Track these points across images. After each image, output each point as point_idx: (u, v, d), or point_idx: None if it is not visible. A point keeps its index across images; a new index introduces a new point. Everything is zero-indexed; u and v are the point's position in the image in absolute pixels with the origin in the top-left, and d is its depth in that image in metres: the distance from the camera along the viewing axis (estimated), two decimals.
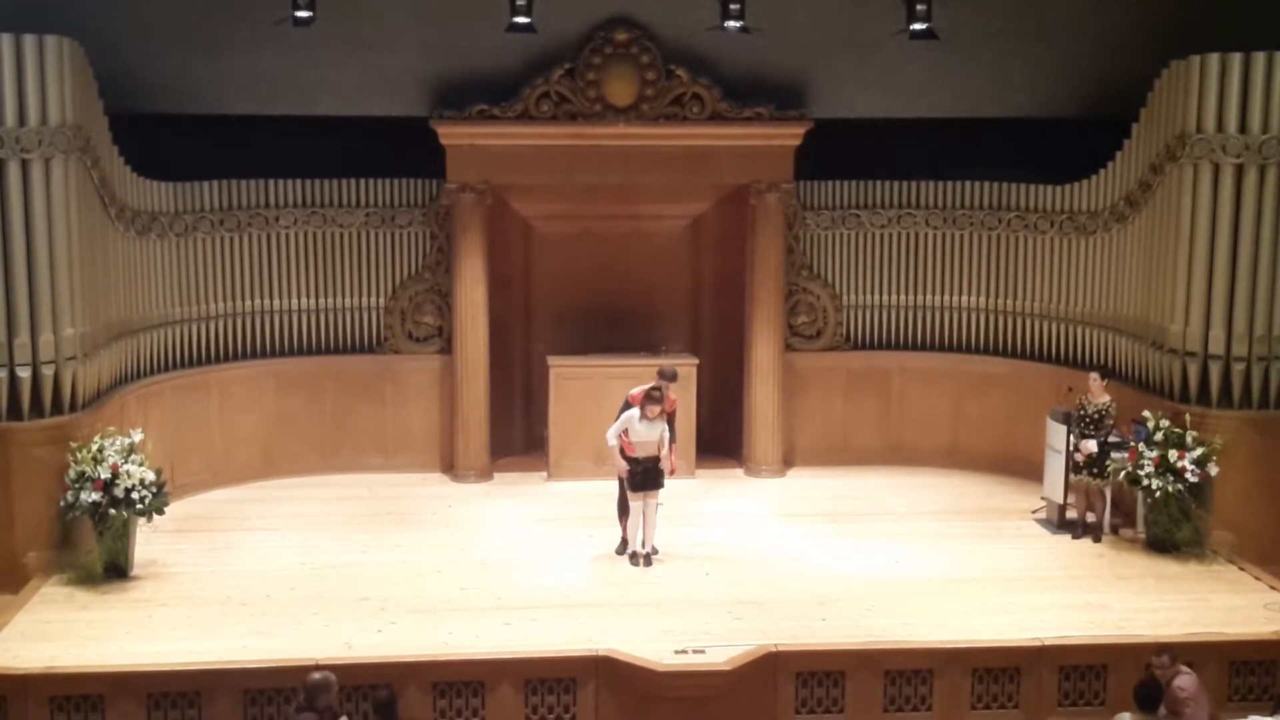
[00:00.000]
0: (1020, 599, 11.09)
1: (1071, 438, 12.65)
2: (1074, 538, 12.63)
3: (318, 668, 9.03)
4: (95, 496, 11.12)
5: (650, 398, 11.70)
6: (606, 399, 12.86)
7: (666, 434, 11.85)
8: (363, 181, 14.25)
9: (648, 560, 11.89)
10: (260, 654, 9.87)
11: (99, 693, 9.49)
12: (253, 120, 13.63)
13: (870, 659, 10.03)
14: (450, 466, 14.48)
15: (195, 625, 10.46)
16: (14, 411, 11.57)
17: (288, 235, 14.14)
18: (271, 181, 14.04)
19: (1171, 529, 12.13)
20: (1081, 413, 12.63)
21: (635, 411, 11.74)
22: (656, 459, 11.80)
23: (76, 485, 11.19)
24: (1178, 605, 11.01)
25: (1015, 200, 14.47)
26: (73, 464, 11.29)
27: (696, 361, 14.46)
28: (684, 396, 13.89)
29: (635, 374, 12.89)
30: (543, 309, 15.10)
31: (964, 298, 14.75)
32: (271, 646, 10.01)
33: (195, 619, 10.59)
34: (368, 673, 9.63)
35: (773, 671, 9.94)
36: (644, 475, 11.78)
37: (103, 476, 11.13)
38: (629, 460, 11.79)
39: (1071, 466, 12.66)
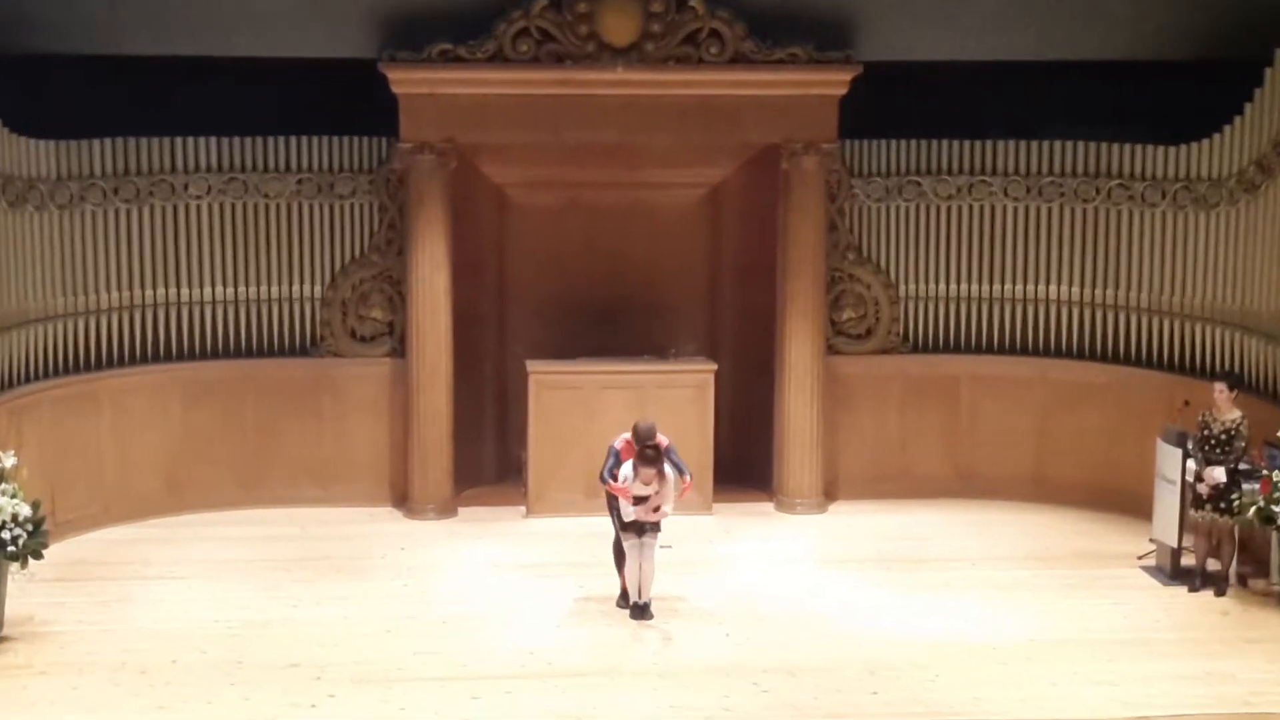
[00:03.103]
0: (1123, 667, 11.10)
1: (1190, 464, 12.65)
2: (1191, 590, 12.64)
3: None
4: None
5: (644, 458, 11.71)
6: (599, 415, 12.91)
7: (671, 478, 11.87)
8: (293, 140, 14.31)
9: (647, 611, 11.93)
10: None
11: None
12: (156, 62, 13.67)
13: None
14: (403, 499, 14.53)
15: (82, 699, 10.45)
16: None
17: (199, 207, 14.19)
18: (179, 140, 14.09)
19: None
20: (1205, 433, 12.63)
21: (629, 466, 11.80)
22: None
23: None
24: None
25: (1117, 165, 14.51)
26: None
27: (714, 367, 14.52)
28: (699, 411, 13.91)
29: (636, 384, 12.90)
30: (521, 301, 15.17)
31: (1052, 288, 14.79)
32: None
33: (81, 690, 10.58)
34: None
35: None
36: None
37: None
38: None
39: (1191, 500, 12.67)
